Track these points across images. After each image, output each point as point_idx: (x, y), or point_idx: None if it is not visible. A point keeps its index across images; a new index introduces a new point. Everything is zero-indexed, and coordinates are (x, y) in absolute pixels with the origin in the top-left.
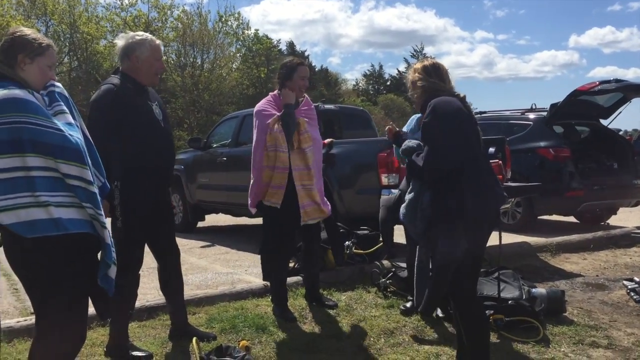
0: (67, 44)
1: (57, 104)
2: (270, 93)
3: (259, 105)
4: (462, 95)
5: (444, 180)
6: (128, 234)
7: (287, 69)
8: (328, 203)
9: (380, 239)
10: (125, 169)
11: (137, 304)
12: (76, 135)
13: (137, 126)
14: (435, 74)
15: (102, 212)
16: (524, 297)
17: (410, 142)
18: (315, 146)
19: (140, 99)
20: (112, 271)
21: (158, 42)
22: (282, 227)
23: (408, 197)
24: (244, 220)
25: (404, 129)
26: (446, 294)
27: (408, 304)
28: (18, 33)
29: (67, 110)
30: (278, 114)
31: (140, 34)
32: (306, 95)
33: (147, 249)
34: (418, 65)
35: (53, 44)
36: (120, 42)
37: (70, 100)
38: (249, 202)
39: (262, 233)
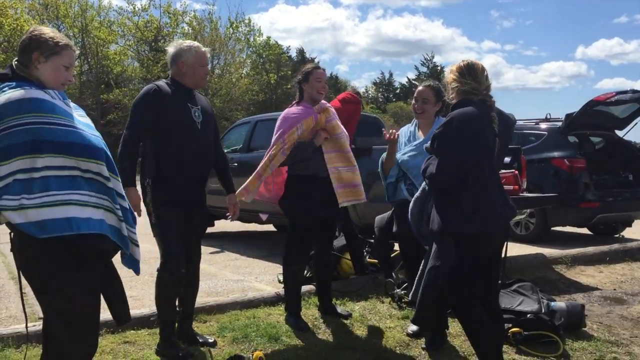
0: (79, 48)
1: (76, 109)
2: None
3: (290, 111)
4: (492, 100)
5: (445, 192)
6: (163, 228)
7: (303, 73)
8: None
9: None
10: (158, 168)
11: (148, 311)
12: (96, 134)
13: (172, 126)
14: (469, 75)
15: (119, 205)
16: (543, 310)
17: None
18: (345, 136)
19: (180, 101)
20: (136, 252)
21: (204, 49)
22: (309, 226)
23: (417, 195)
24: (253, 227)
25: (402, 141)
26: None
27: (415, 327)
28: (36, 32)
29: (84, 114)
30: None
31: (188, 42)
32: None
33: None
34: (454, 67)
35: (72, 45)
36: (170, 49)
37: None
38: (270, 197)
39: (288, 236)
